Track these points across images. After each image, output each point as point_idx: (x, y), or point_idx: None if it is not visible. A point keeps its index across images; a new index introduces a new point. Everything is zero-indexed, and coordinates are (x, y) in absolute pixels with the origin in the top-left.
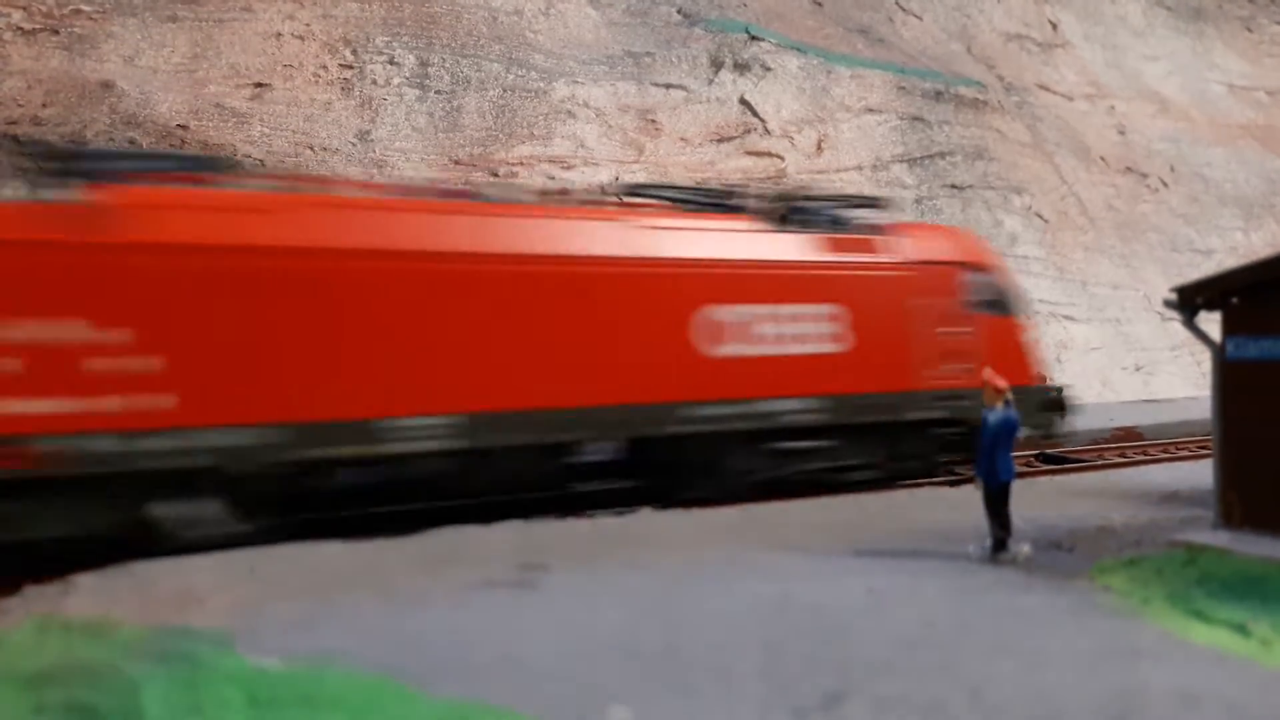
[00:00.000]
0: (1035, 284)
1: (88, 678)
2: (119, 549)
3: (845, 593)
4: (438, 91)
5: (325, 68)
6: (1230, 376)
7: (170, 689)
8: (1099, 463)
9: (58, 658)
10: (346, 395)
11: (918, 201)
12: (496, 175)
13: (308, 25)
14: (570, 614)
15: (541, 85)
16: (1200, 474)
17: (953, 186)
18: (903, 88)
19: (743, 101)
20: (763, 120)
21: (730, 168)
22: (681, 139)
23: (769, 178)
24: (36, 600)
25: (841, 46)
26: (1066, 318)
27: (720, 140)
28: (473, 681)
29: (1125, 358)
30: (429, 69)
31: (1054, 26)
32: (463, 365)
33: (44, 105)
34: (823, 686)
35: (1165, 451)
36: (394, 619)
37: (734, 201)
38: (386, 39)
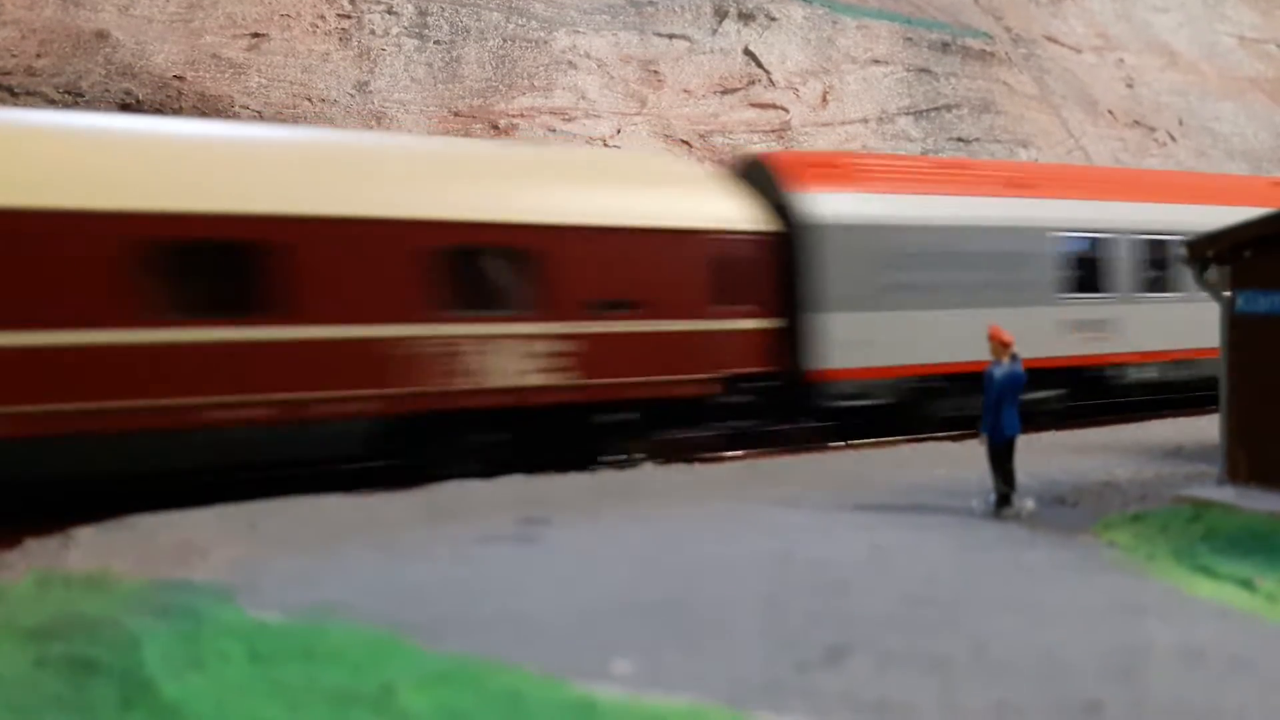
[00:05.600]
0: None
1: (88, 631)
2: (117, 501)
3: (848, 547)
4: (437, 41)
5: (323, 17)
6: (1240, 330)
7: (171, 642)
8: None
9: (58, 611)
10: None
11: (924, 154)
12: (497, 127)
13: None
14: (572, 567)
15: (542, 35)
16: (1205, 428)
17: (959, 139)
18: (909, 39)
19: (747, 52)
20: (767, 71)
21: (734, 120)
22: (684, 90)
23: (773, 130)
24: (37, 554)
25: None
26: None
27: (724, 92)
28: (474, 635)
29: None
30: (428, 18)
31: None
32: None
33: (38, 56)
34: (826, 641)
35: None
36: (395, 573)
37: None
38: None
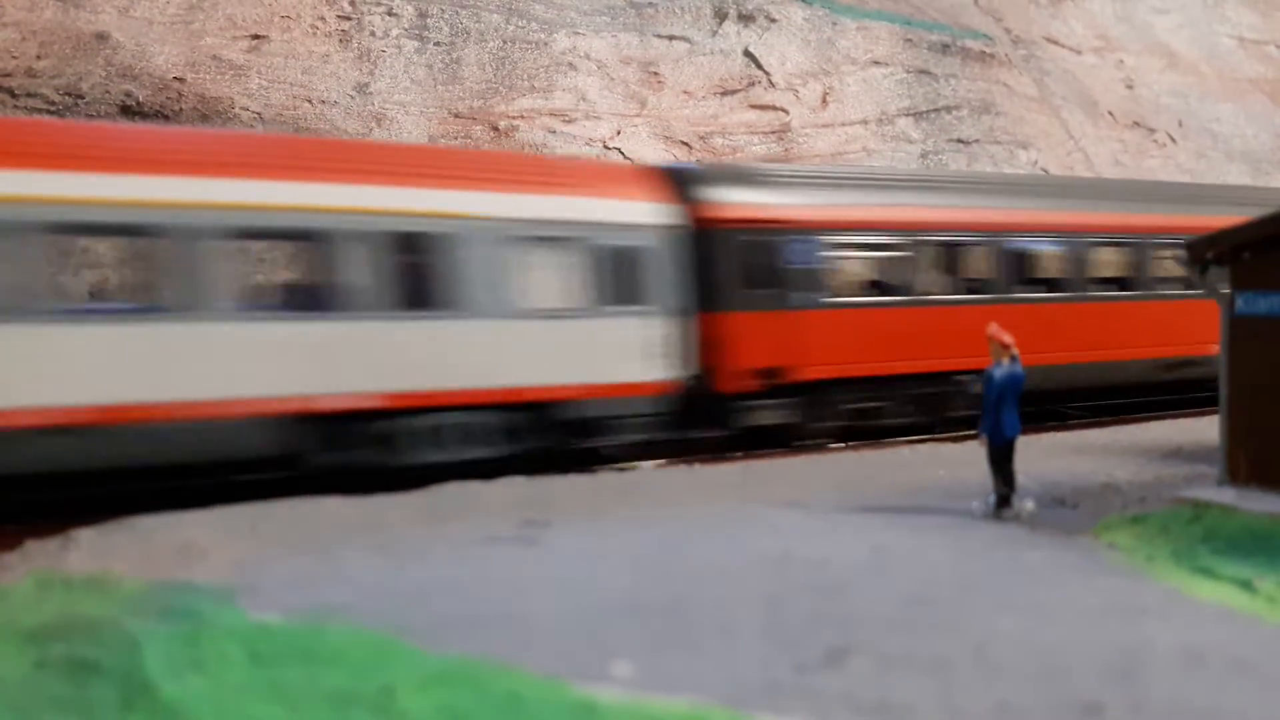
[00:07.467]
0: None
1: (89, 633)
2: (118, 502)
3: (848, 549)
4: (437, 43)
5: (323, 19)
6: (1239, 331)
7: (171, 644)
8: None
9: (59, 613)
10: None
11: (923, 156)
12: (497, 129)
13: None
14: (573, 569)
15: (542, 36)
16: (1205, 429)
17: (959, 141)
18: (909, 40)
19: (747, 53)
20: (767, 73)
21: (734, 121)
22: (684, 92)
23: (773, 132)
24: (37, 555)
25: None
26: None
27: (724, 93)
28: (474, 637)
29: None
30: (428, 20)
31: None
32: None
33: (38, 57)
34: (826, 642)
35: None
36: (396, 574)
37: None
38: None
